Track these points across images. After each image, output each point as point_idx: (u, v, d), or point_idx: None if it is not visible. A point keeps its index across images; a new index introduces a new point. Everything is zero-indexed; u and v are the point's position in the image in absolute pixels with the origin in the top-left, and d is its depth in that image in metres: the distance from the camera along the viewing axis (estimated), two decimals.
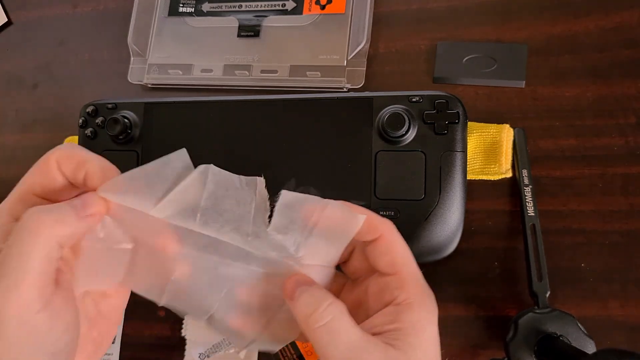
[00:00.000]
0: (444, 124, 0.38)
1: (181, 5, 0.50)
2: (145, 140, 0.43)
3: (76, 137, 0.46)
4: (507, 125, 0.40)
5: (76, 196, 0.27)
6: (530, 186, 0.38)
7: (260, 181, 0.28)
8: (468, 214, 0.39)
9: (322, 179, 0.40)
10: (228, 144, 0.42)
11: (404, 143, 0.38)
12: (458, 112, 0.37)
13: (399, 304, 0.26)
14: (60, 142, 0.49)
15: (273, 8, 0.47)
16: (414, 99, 0.38)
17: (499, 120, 0.40)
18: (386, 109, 0.38)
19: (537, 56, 0.41)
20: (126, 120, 0.43)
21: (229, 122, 0.42)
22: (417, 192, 0.38)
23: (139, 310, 0.44)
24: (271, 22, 0.47)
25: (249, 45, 0.47)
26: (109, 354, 0.47)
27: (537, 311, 0.35)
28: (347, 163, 0.39)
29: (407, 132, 0.38)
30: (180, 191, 0.26)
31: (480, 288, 0.39)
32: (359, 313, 0.27)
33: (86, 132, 0.44)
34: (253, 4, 0.48)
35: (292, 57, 0.46)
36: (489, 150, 0.40)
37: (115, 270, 0.27)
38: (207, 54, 0.48)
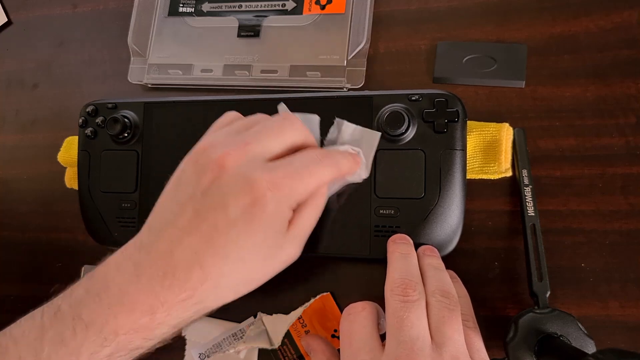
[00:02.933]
0: (443, 122, 0.37)
1: (181, 5, 0.50)
2: (146, 140, 0.43)
3: (76, 137, 0.46)
4: (507, 124, 0.39)
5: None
6: (530, 186, 0.38)
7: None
8: (468, 214, 0.39)
9: None
10: None
11: (404, 142, 0.38)
12: (457, 111, 0.37)
13: None
14: (60, 142, 0.49)
15: (273, 8, 0.47)
16: (413, 98, 0.38)
17: (498, 120, 0.40)
18: (385, 107, 0.38)
19: (537, 56, 0.41)
20: (126, 119, 0.43)
21: None
22: (416, 191, 0.38)
23: None
24: (271, 22, 0.47)
25: (249, 45, 0.47)
26: None
27: (537, 311, 0.35)
28: None
29: (406, 130, 0.38)
30: None
31: (480, 288, 0.39)
32: None
33: (86, 131, 0.44)
34: (253, 4, 0.48)
35: (292, 57, 0.46)
36: (488, 149, 0.40)
37: None
38: (207, 54, 0.48)
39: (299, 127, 0.34)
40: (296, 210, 0.33)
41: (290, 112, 0.37)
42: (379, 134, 0.38)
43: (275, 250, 0.33)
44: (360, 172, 0.37)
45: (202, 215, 0.30)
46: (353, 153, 0.37)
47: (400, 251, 0.35)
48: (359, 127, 0.38)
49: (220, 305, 0.33)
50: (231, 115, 0.36)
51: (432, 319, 0.31)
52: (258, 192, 0.30)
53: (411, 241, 0.36)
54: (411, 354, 0.29)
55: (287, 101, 0.41)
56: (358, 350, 0.31)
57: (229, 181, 0.30)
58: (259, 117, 0.35)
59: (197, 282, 0.30)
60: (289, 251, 0.34)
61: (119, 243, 0.43)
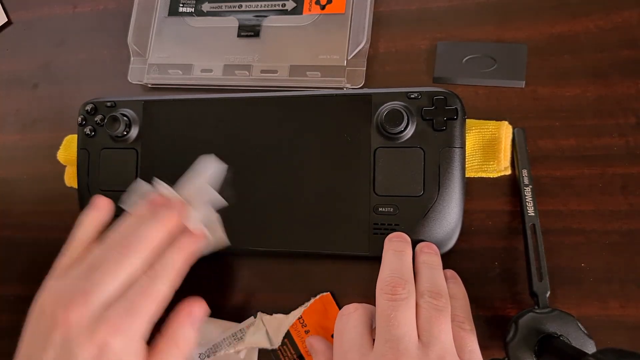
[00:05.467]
0: (442, 120, 0.37)
1: (181, 5, 0.50)
2: (145, 138, 0.43)
3: (76, 136, 0.46)
4: (506, 122, 0.39)
5: None
6: (530, 186, 0.38)
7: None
8: (467, 214, 0.39)
9: (321, 175, 0.40)
10: (226, 141, 0.42)
11: (403, 139, 0.38)
12: (456, 108, 0.37)
13: None
14: (60, 141, 0.49)
15: (273, 8, 0.47)
16: (412, 96, 0.38)
17: (499, 120, 0.40)
18: (385, 105, 0.38)
19: (537, 56, 0.41)
20: (125, 118, 0.43)
21: (227, 120, 0.42)
22: (416, 188, 0.38)
23: None
24: (271, 22, 0.47)
25: (249, 45, 0.47)
26: None
27: (537, 311, 0.35)
28: (346, 160, 0.39)
29: (405, 128, 0.38)
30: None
31: (480, 288, 0.39)
32: None
33: (85, 130, 0.44)
34: (253, 4, 0.48)
35: (292, 57, 0.46)
36: (487, 147, 0.39)
37: None
38: (207, 54, 0.48)
39: (137, 250, 0.35)
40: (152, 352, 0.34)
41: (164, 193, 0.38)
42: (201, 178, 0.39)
43: None
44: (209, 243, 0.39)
45: None
46: (193, 235, 0.37)
47: (394, 249, 0.36)
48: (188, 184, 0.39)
49: None
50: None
51: (420, 318, 0.32)
52: (100, 340, 0.31)
53: (408, 239, 0.37)
54: (397, 353, 0.30)
55: (286, 100, 0.41)
56: (348, 349, 0.32)
57: (75, 336, 0.32)
58: (103, 246, 0.36)
59: None
60: None
61: None
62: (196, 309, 0.36)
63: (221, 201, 0.39)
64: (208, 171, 0.39)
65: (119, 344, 0.32)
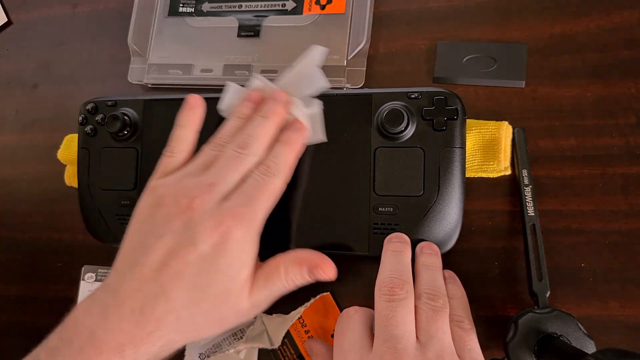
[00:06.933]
0: (442, 120, 0.38)
1: (181, 5, 0.50)
2: (145, 137, 0.43)
3: (76, 135, 0.46)
4: (506, 122, 0.39)
5: None
6: (530, 186, 0.38)
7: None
8: (468, 214, 0.39)
9: (321, 175, 0.40)
10: None
11: (403, 139, 0.38)
12: (457, 109, 0.37)
13: None
14: (60, 141, 0.49)
15: (273, 8, 0.47)
16: (412, 96, 0.38)
17: (499, 120, 0.40)
18: (385, 105, 0.38)
19: (537, 56, 0.41)
20: (126, 117, 0.43)
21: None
22: (416, 188, 0.38)
23: None
24: (271, 22, 0.47)
25: (249, 45, 0.47)
26: None
27: (537, 311, 0.35)
28: (346, 159, 0.39)
29: (406, 128, 0.38)
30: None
31: (480, 288, 0.39)
32: None
33: (86, 129, 0.44)
34: (253, 4, 0.48)
35: (292, 57, 0.46)
36: (487, 147, 0.39)
37: None
38: (207, 54, 0.48)
39: (253, 148, 0.36)
40: (254, 287, 0.34)
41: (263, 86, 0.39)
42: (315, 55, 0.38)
43: (233, 293, 0.34)
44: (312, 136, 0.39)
45: (173, 254, 0.32)
46: (299, 127, 0.37)
47: (393, 249, 0.36)
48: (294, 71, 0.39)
49: (181, 344, 0.34)
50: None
51: (419, 319, 0.32)
52: (224, 228, 0.32)
53: (407, 239, 0.37)
54: (395, 353, 0.30)
55: None
56: (348, 350, 0.32)
57: (199, 221, 0.32)
58: (222, 143, 0.37)
59: (163, 313, 0.31)
60: (243, 303, 0.34)
61: (117, 240, 0.43)
62: (323, 269, 0.36)
63: (325, 85, 0.38)
64: (309, 56, 0.38)
65: (240, 233, 0.33)
